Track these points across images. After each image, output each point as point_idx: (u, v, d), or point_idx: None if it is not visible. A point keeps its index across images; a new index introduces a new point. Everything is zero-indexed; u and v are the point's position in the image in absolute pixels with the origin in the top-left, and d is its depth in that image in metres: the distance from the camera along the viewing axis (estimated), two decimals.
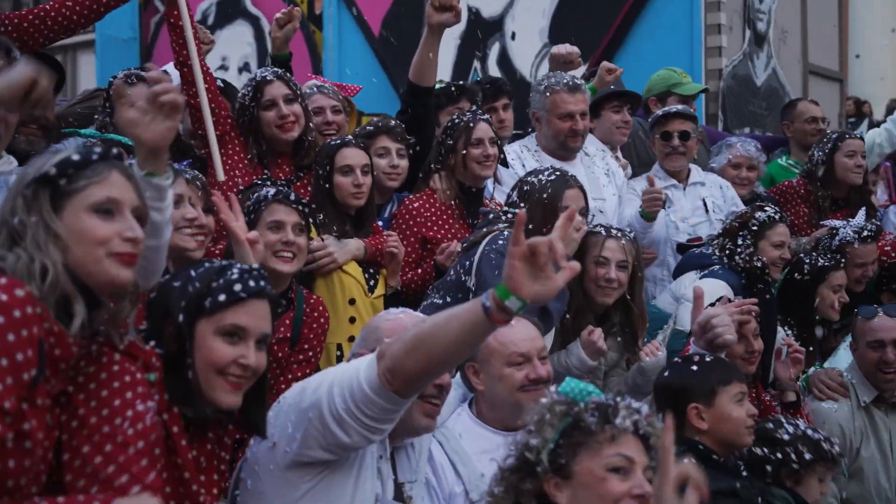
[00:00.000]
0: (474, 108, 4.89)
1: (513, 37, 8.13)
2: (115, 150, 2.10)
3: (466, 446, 2.95)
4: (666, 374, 3.26)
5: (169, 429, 2.21)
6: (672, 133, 5.03)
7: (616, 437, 2.31)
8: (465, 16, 8.33)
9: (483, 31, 8.21)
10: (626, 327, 3.94)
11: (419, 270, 4.18)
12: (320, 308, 3.61)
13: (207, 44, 5.01)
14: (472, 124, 4.28)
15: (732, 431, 3.16)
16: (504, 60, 8.25)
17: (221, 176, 3.86)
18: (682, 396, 3.17)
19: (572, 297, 3.84)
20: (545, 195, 3.76)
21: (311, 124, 4.27)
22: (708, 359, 3.24)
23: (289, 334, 3.42)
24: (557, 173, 3.91)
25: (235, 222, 3.04)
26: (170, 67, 4.26)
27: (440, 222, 4.26)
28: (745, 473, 3.20)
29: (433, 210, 4.29)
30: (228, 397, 2.25)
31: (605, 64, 5.06)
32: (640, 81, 6.79)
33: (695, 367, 3.20)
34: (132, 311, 2.14)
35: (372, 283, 4.02)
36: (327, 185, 3.96)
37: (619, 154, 5.24)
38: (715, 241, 4.57)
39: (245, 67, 10.00)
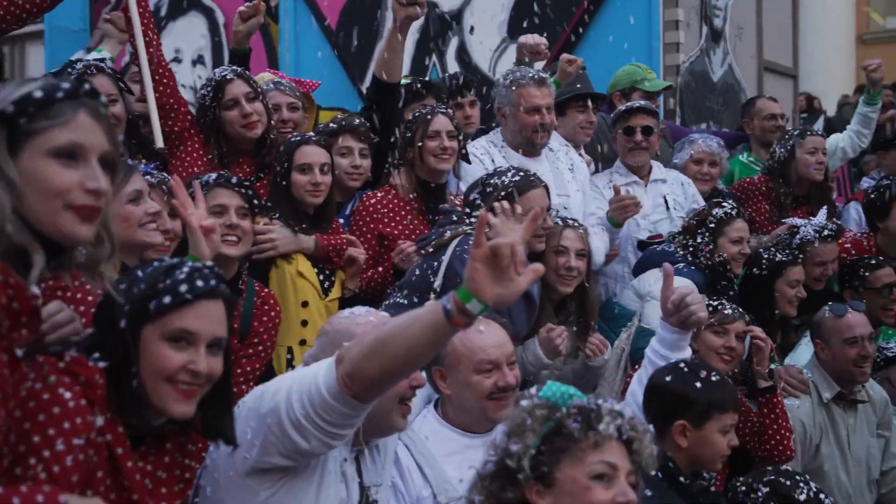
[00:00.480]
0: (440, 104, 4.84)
1: (471, 31, 8.05)
2: (85, 87, 1.91)
3: (433, 448, 2.90)
4: (668, 377, 3.17)
5: (113, 450, 2.10)
6: (635, 128, 5.01)
7: (600, 444, 2.26)
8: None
9: (441, 25, 8.12)
10: (580, 316, 3.95)
11: (379, 269, 4.15)
12: (271, 301, 3.56)
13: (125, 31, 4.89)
14: (429, 117, 4.26)
15: (708, 457, 3.13)
16: (462, 55, 8.20)
17: (160, 142, 3.90)
18: (674, 407, 3.12)
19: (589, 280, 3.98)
20: (504, 194, 3.77)
21: (272, 122, 4.23)
22: (714, 378, 3.17)
23: (236, 325, 3.33)
24: (521, 174, 3.91)
25: (188, 209, 2.95)
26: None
27: (398, 218, 4.24)
28: (711, 489, 3.18)
29: (391, 206, 4.27)
30: (180, 406, 2.14)
31: (564, 56, 5.01)
32: (598, 77, 6.81)
33: (698, 384, 3.12)
34: (111, 259, 1.98)
35: (327, 285, 3.98)
36: (284, 183, 3.91)
37: (583, 151, 5.20)
38: (676, 239, 4.60)
39: (199, 60, 9.85)
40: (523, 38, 5.44)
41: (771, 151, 5.46)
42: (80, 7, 9.86)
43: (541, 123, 4.53)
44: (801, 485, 3.41)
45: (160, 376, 2.11)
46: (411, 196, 4.33)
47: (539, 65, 5.28)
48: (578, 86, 5.09)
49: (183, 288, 2.14)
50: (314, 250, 3.91)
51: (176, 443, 2.30)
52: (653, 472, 2.97)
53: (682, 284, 4.20)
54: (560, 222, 3.94)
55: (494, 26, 7.91)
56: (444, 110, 4.37)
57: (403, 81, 4.94)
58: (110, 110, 4.02)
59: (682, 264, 4.43)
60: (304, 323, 3.86)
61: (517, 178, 3.83)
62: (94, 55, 4.78)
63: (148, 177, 3.24)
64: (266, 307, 3.53)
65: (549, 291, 3.88)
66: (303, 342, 3.83)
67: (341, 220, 4.33)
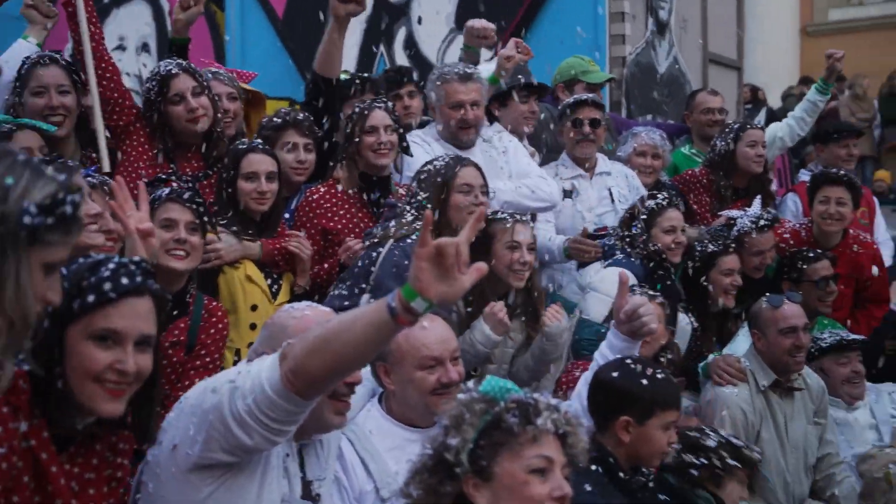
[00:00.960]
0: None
1: (419, 21, 8.06)
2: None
3: (377, 443, 2.91)
4: (615, 373, 3.19)
5: (37, 455, 2.07)
6: (583, 120, 5.07)
7: (537, 438, 2.30)
8: (370, 0, 8.33)
9: (389, 15, 8.13)
10: (528, 307, 3.97)
11: (325, 265, 4.15)
12: (219, 314, 3.55)
13: (51, 16, 4.87)
14: (366, 112, 4.28)
15: (648, 454, 3.16)
16: (410, 45, 8.21)
17: (105, 167, 3.85)
18: (619, 403, 3.14)
19: (477, 283, 3.86)
20: (439, 177, 3.86)
21: (219, 115, 4.21)
22: (659, 375, 3.19)
23: (183, 338, 3.34)
24: (452, 157, 4.02)
25: (126, 211, 2.93)
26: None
27: (341, 212, 4.26)
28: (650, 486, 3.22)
29: (334, 200, 4.29)
30: (108, 405, 2.11)
31: (502, 52, 5.01)
32: (545, 69, 6.87)
33: (645, 381, 3.13)
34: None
35: (275, 288, 3.99)
36: (231, 190, 3.92)
37: (527, 142, 5.23)
38: (614, 232, 4.68)
39: (144, 48, 9.75)
40: (471, 23, 5.49)
41: (712, 144, 5.54)
42: None
43: (463, 118, 4.57)
44: (710, 433, 3.57)
45: (87, 376, 2.08)
46: (353, 190, 4.34)
47: (487, 53, 5.34)
48: (521, 77, 5.11)
49: (107, 286, 2.09)
50: (260, 256, 3.92)
51: (106, 442, 2.28)
52: (593, 467, 3.06)
53: (615, 278, 4.38)
54: (510, 218, 3.96)
55: (442, 18, 7.94)
56: (381, 104, 4.38)
57: (342, 77, 4.94)
58: (61, 101, 4.06)
59: (620, 255, 4.52)
60: (254, 326, 3.85)
61: (447, 160, 3.94)
62: (21, 43, 4.70)
63: (90, 178, 3.23)
64: (214, 319, 3.52)
65: (496, 285, 3.89)
66: (251, 345, 3.78)
67: (287, 216, 4.33)
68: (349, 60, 8.43)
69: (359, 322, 2.17)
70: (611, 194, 5.09)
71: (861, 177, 13.65)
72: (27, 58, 4.23)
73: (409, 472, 2.38)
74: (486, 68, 5.12)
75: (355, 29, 8.48)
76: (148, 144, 4.15)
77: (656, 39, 8.60)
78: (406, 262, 3.59)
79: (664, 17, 8.59)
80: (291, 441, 2.63)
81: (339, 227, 4.22)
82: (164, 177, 3.96)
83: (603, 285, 4.37)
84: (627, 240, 4.58)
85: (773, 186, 6.83)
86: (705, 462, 3.48)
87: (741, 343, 4.60)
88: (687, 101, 6.41)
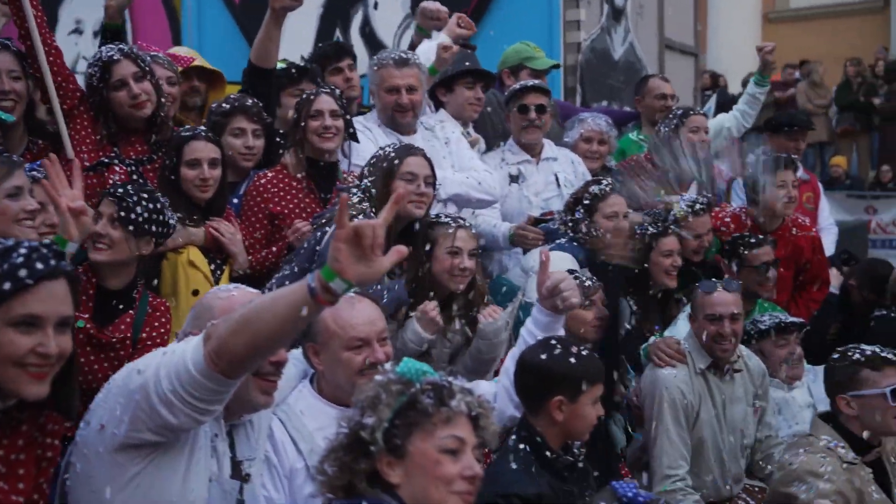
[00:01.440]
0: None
1: (375, 6, 8.10)
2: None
3: (308, 423, 2.95)
4: (543, 355, 3.21)
5: None
6: (529, 106, 5.10)
7: (451, 419, 2.34)
8: None
9: (346, 0, 8.16)
10: (468, 310, 3.98)
11: (273, 248, 4.18)
12: (162, 308, 3.58)
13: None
14: (312, 97, 4.30)
15: (580, 429, 3.20)
16: (367, 30, 8.23)
17: (70, 154, 3.88)
18: (550, 384, 3.17)
19: (416, 285, 3.93)
20: (386, 162, 3.89)
21: (162, 100, 4.21)
22: (584, 353, 3.23)
23: (129, 333, 3.38)
24: (403, 145, 4.04)
25: (58, 189, 2.96)
26: None
27: (288, 197, 4.27)
28: (580, 465, 3.25)
29: (282, 185, 4.30)
30: (32, 388, 2.14)
31: (440, 42, 5.05)
32: (500, 55, 6.86)
33: (573, 360, 3.17)
34: None
35: (218, 273, 4.00)
36: (173, 177, 3.93)
37: (472, 129, 5.26)
38: (558, 216, 4.72)
39: (101, 32, 9.71)
40: (424, 4, 5.52)
41: (656, 130, 5.60)
42: None
43: (398, 102, 4.60)
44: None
45: (9, 362, 2.10)
46: (301, 175, 4.35)
47: (437, 34, 5.34)
48: (467, 63, 5.13)
49: (23, 272, 2.10)
50: (203, 241, 3.94)
51: (33, 424, 2.30)
52: (521, 446, 3.13)
53: (562, 260, 4.36)
54: (452, 223, 3.98)
55: (398, 3, 7.95)
56: (327, 90, 4.39)
57: (280, 66, 4.95)
58: (13, 86, 4.03)
59: (564, 240, 4.57)
60: None
61: (399, 148, 3.97)
62: None
63: (34, 172, 3.24)
64: (157, 314, 3.55)
65: (438, 288, 3.92)
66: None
67: (235, 200, 4.35)
68: (306, 46, 8.43)
69: (280, 302, 2.21)
70: (557, 179, 5.13)
71: (819, 162, 13.87)
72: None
73: (325, 449, 2.41)
74: (430, 47, 5.17)
75: (312, 14, 8.49)
76: (91, 128, 4.13)
77: (612, 26, 8.64)
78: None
79: (620, 3, 8.62)
80: (220, 421, 2.67)
81: (286, 211, 4.24)
82: (106, 161, 4.00)
83: (552, 265, 4.40)
84: (570, 224, 4.61)
85: (727, 172, 6.93)
86: None
87: (682, 326, 4.65)
88: (637, 86, 6.44)
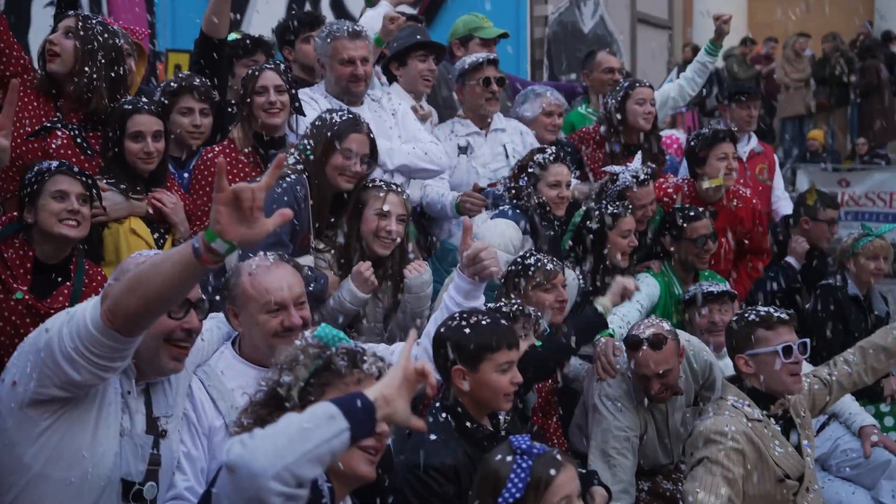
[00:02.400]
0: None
1: None
2: None
3: (227, 382, 3.01)
4: (443, 329, 3.28)
5: None
6: (491, 79, 5.14)
7: (362, 381, 2.44)
8: None
9: None
10: (399, 273, 4.05)
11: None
12: (99, 278, 3.62)
13: None
14: (257, 73, 4.34)
15: (491, 397, 3.21)
16: (337, 3, 8.28)
17: None
18: (448, 354, 3.21)
19: (348, 246, 4.00)
20: (330, 133, 3.93)
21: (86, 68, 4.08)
22: (484, 321, 3.22)
23: (67, 304, 3.40)
24: (350, 116, 4.05)
25: None
26: None
27: (236, 171, 4.29)
28: (502, 434, 3.25)
29: (229, 160, 4.31)
30: None
31: (387, 13, 5.08)
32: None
33: (467, 330, 3.19)
34: None
35: (161, 242, 4.03)
36: (117, 149, 3.95)
37: (424, 103, 5.30)
38: (502, 183, 4.77)
39: (75, 4, 9.70)
40: None
41: (604, 102, 5.62)
42: None
43: (353, 73, 4.63)
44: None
45: None
46: (248, 149, 4.38)
47: (383, 3, 5.35)
48: (418, 37, 5.17)
49: None
50: (146, 212, 3.97)
51: None
52: (443, 415, 3.21)
53: (505, 227, 4.49)
54: (384, 186, 4.03)
55: None
56: (272, 66, 4.43)
57: (233, 37, 4.97)
58: None
59: (507, 207, 4.63)
60: None
61: (345, 118, 4.00)
62: None
63: None
64: (94, 284, 3.59)
65: (367, 250, 3.99)
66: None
67: (186, 175, 4.39)
68: (277, 16, 8.48)
69: (167, 262, 2.29)
70: (505, 150, 5.18)
71: (798, 134, 13.90)
72: None
73: (244, 405, 2.51)
74: (374, 15, 5.22)
75: None
76: (33, 93, 4.09)
77: (580, 1, 8.72)
78: (286, 198, 3.76)
79: None
80: (132, 379, 2.76)
81: (234, 185, 4.22)
82: (48, 125, 4.00)
83: (488, 235, 4.44)
84: (514, 192, 4.66)
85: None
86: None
87: (633, 308, 4.61)
88: (585, 60, 6.47)
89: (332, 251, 4.07)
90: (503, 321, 3.32)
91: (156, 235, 4.00)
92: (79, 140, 4.06)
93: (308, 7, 8.25)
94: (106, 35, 4.16)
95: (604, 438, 4.08)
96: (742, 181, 5.91)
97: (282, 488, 1.99)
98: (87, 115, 4.13)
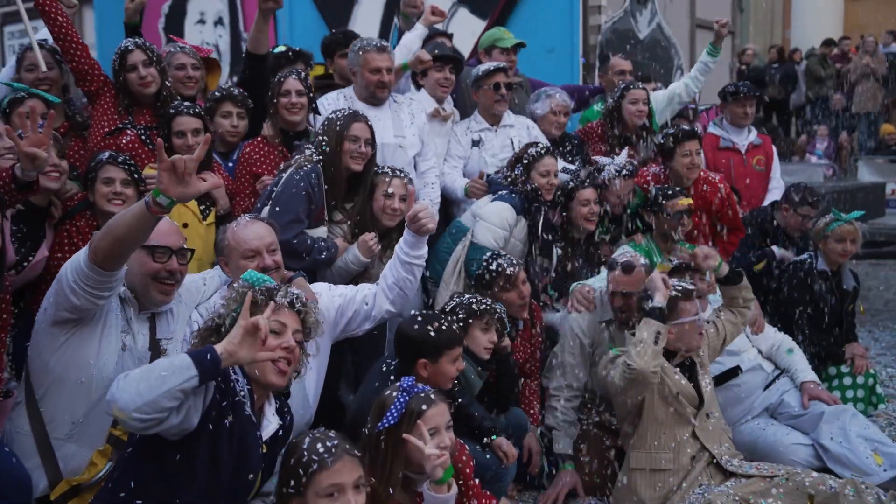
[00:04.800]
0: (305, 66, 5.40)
1: None
2: None
3: None
4: (411, 329, 3.58)
5: None
6: (500, 84, 5.40)
7: (276, 310, 2.84)
8: None
9: None
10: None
11: (253, 199, 4.64)
12: None
13: (70, 7, 5.32)
14: (282, 79, 4.75)
15: (441, 383, 3.55)
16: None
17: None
18: (416, 349, 3.56)
19: (362, 220, 4.43)
20: (338, 126, 4.34)
21: (167, 82, 4.69)
22: (444, 325, 3.59)
23: None
24: (351, 111, 4.47)
25: (12, 134, 3.49)
26: None
27: (267, 161, 4.71)
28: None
29: (262, 152, 4.75)
30: None
31: (419, 55, 5.36)
32: (532, 34, 7.26)
33: (432, 333, 3.54)
34: None
35: (206, 212, 4.43)
36: (167, 144, 4.32)
37: (447, 105, 5.54)
38: (501, 172, 5.11)
39: (219, 21, 10.37)
40: None
41: (606, 103, 5.85)
42: None
43: (380, 81, 4.94)
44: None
45: None
46: (277, 142, 4.76)
47: (417, 26, 5.68)
48: (436, 51, 5.45)
49: None
50: None
51: None
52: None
53: (502, 208, 4.81)
54: (390, 172, 4.43)
55: None
56: (294, 73, 4.79)
57: (279, 50, 5.42)
58: (48, 74, 4.68)
59: (504, 192, 4.94)
60: (185, 239, 4.12)
61: (346, 112, 4.40)
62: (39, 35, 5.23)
63: None
64: None
65: (376, 223, 4.41)
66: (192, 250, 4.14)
67: (230, 164, 4.82)
68: (372, 30, 8.95)
69: (128, 214, 2.82)
70: (512, 143, 5.43)
71: (873, 127, 13.51)
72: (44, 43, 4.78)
73: (194, 330, 2.99)
74: (413, 37, 5.58)
75: (376, 4, 9.05)
76: (114, 102, 4.60)
77: (637, 9, 8.82)
78: (302, 184, 4.22)
79: None
80: (135, 308, 3.30)
81: (265, 171, 4.67)
82: (121, 126, 4.53)
83: (489, 216, 4.82)
84: (510, 179, 4.99)
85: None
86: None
87: (603, 276, 4.79)
88: (601, 64, 6.71)
89: (349, 223, 4.48)
90: (455, 326, 3.69)
91: (202, 206, 4.40)
92: (143, 137, 4.55)
93: (396, 21, 8.61)
94: (162, 59, 4.76)
95: (562, 341, 4.49)
96: (741, 170, 6.12)
97: (141, 416, 2.42)
98: (154, 117, 4.65)
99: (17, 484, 3.11)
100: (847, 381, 5.15)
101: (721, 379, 4.66)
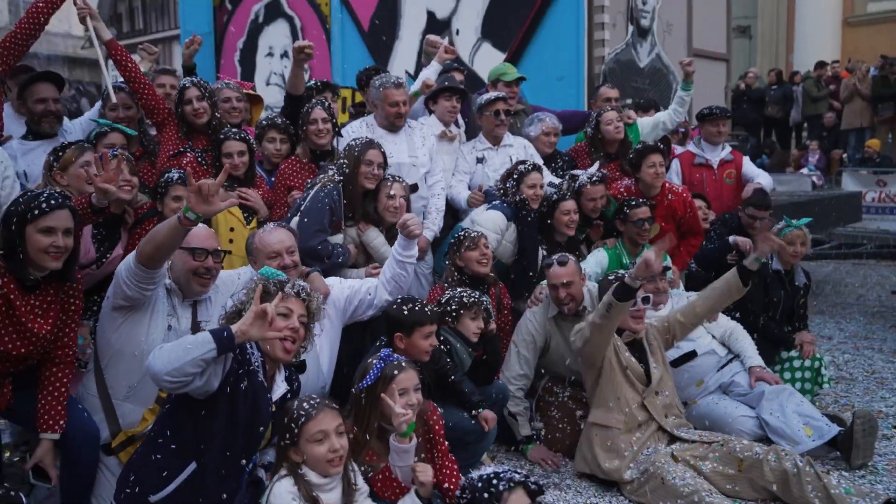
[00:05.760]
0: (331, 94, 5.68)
1: (457, 32, 8.61)
2: None
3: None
4: (390, 308, 3.82)
5: (8, 294, 2.98)
6: (500, 111, 5.59)
7: (285, 298, 3.07)
8: (424, 16, 9.02)
9: (437, 28, 8.67)
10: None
11: (286, 209, 4.82)
12: None
13: (152, 54, 5.74)
14: (310, 109, 5.02)
15: (416, 355, 3.72)
16: None
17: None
18: (394, 325, 3.78)
19: (370, 219, 4.63)
20: (356, 152, 4.59)
21: (217, 113, 4.93)
22: (416, 307, 3.75)
23: None
24: (367, 139, 4.69)
25: (90, 177, 3.71)
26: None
27: (298, 176, 4.97)
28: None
29: (295, 169, 5.00)
30: (52, 263, 3.02)
31: (426, 78, 5.61)
32: (544, 64, 7.55)
33: (406, 311, 3.74)
34: None
35: (249, 219, 4.66)
36: (218, 163, 4.65)
37: (454, 127, 5.72)
38: (496, 185, 5.33)
39: (285, 54, 10.49)
40: (428, 37, 6.16)
41: (587, 123, 6.01)
42: (206, 15, 10.83)
43: (397, 113, 5.18)
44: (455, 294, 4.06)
45: (39, 251, 2.98)
46: (307, 160, 5.00)
47: (432, 63, 5.91)
48: (446, 83, 5.64)
49: (44, 205, 2.99)
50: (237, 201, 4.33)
51: (57, 288, 3.17)
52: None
53: (495, 215, 5.03)
54: (391, 178, 4.62)
55: (472, 29, 8.50)
56: (320, 104, 5.01)
57: (310, 83, 5.71)
58: (127, 113, 4.95)
59: (498, 201, 5.17)
60: (231, 241, 4.48)
61: (364, 140, 4.61)
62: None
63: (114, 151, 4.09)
64: None
65: (381, 220, 4.61)
66: (229, 252, 4.28)
67: (272, 179, 5.04)
68: (409, 62, 9.13)
69: (166, 225, 3.08)
70: (511, 160, 5.56)
71: (860, 143, 13.41)
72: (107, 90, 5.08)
73: (224, 313, 3.18)
74: (429, 71, 5.81)
75: (414, 39, 9.23)
76: (176, 130, 4.87)
77: (637, 41, 8.86)
78: (327, 199, 4.48)
79: (646, 24, 8.73)
80: (179, 297, 3.56)
81: (297, 185, 4.92)
82: (182, 150, 4.81)
83: (484, 222, 5.00)
84: (502, 191, 5.21)
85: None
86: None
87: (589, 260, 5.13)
88: (593, 92, 6.83)
89: (356, 228, 4.65)
90: (430, 306, 3.86)
91: (246, 214, 4.63)
92: (199, 159, 4.81)
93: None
94: (214, 94, 5.03)
95: (519, 336, 4.62)
96: (713, 183, 6.27)
97: (170, 379, 2.66)
98: (208, 141, 4.92)
99: (87, 433, 3.40)
100: (796, 363, 5.23)
101: (679, 361, 4.80)
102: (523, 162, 5.29)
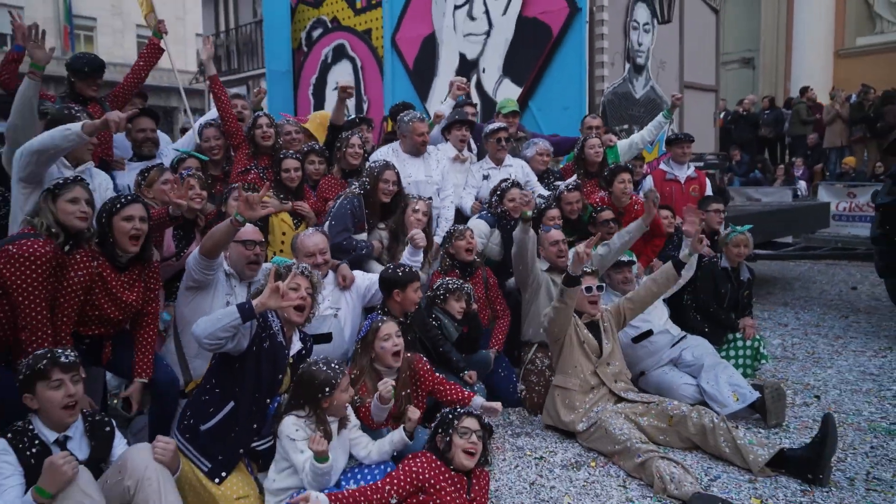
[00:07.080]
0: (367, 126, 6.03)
1: (483, 70, 8.82)
2: None
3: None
4: (389, 271, 4.00)
5: (103, 273, 3.25)
6: (501, 139, 5.84)
7: (293, 277, 3.30)
8: (457, 58, 9.29)
9: (467, 67, 8.95)
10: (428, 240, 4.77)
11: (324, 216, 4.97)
12: None
13: (258, 95, 6.14)
14: (349, 136, 5.36)
15: (408, 306, 3.95)
16: (478, 86, 8.96)
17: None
18: (391, 284, 4.01)
19: (396, 228, 4.91)
20: (375, 172, 4.95)
21: (279, 140, 5.30)
22: (400, 271, 3.98)
23: None
24: (385, 161, 5.02)
25: (165, 193, 3.90)
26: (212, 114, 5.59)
27: (333, 190, 5.23)
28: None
29: (332, 184, 5.28)
30: (133, 248, 3.27)
31: (438, 111, 5.90)
32: (552, 96, 7.77)
33: (400, 273, 3.99)
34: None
35: (298, 224, 4.85)
36: (278, 177, 4.94)
37: (465, 150, 6.00)
38: (485, 199, 5.60)
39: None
40: (452, 79, 6.42)
41: (575, 146, 6.22)
42: (286, 56, 11.18)
43: (423, 142, 5.45)
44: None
45: (124, 235, 3.25)
46: (341, 177, 5.30)
47: (447, 99, 6.23)
48: (457, 116, 5.91)
49: (123, 199, 3.27)
50: (290, 209, 4.83)
51: (140, 269, 3.41)
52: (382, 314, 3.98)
53: (481, 224, 5.29)
54: (415, 195, 4.92)
55: (495, 68, 8.72)
56: (357, 134, 5.36)
57: (351, 117, 6.10)
58: (217, 143, 5.34)
59: (485, 211, 5.42)
60: (282, 242, 4.73)
61: (382, 162, 4.90)
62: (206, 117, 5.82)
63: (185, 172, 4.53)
64: None
65: (406, 228, 4.78)
66: (280, 251, 4.70)
67: (314, 191, 5.25)
68: (444, 95, 9.49)
69: (222, 226, 3.47)
70: (511, 178, 5.77)
71: (837, 161, 13.28)
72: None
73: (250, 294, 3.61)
74: (445, 106, 6.14)
75: (448, 74, 9.14)
76: (246, 151, 5.17)
77: (633, 77, 8.99)
78: (348, 206, 4.83)
79: (641, 62, 8.84)
80: (237, 279, 3.90)
81: (332, 196, 5.09)
82: (249, 167, 5.14)
83: (473, 227, 5.12)
84: (488, 204, 5.40)
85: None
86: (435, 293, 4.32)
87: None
88: (581, 121, 7.09)
89: (387, 229, 4.94)
90: (414, 268, 4.13)
91: (296, 221, 4.83)
92: (261, 175, 5.07)
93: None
94: (279, 126, 5.44)
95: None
96: (680, 195, 6.46)
97: (210, 341, 2.84)
98: (270, 161, 5.18)
99: (169, 380, 3.64)
100: (739, 344, 5.35)
101: (639, 338, 5.01)
102: (506, 180, 5.43)
